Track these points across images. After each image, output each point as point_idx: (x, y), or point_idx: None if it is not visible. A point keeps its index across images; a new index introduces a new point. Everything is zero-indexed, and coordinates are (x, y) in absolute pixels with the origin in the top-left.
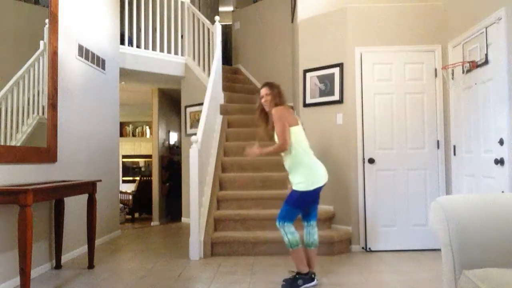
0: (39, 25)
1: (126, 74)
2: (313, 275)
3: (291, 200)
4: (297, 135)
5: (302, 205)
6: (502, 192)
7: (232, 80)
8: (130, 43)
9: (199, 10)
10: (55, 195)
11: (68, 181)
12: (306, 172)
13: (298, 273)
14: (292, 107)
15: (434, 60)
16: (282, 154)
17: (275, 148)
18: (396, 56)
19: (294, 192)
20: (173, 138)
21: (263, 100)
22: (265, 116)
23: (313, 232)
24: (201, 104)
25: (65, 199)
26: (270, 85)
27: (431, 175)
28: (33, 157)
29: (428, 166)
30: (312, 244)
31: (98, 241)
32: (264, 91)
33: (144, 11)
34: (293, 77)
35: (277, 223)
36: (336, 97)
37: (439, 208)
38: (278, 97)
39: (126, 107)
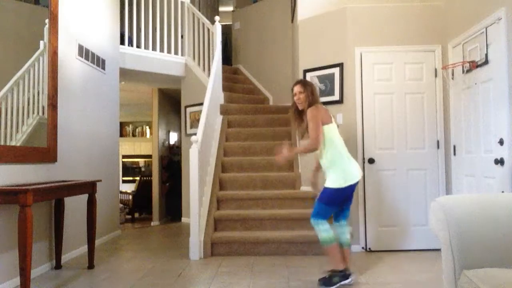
0: (39, 25)
1: (126, 74)
2: (349, 274)
3: (325, 197)
4: (331, 133)
5: (336, 202)
6: (502, 192)
7: (232, 80)
8: (130, 43)
9: (199, 10)
10: (55, 195)
11: (68, 181)
12: (339, 170)
13: (333, 271)
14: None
15: (434, 60)
16: (318, 152)
17: (305, 147)
18: (396, 56)
19: (327, 189)
20: (173, 138)
21: (295, 98)
22: (299, 114)
23: (345, 232)
24: (201, 104)
25: (65, 199)
26: (303, 83)
27: (431, 175)
28: (33, 157)
29: (428, 166)
30: (345, 243)
31: (98, 241)
32: (297, 89)
33: (144, 11)
34: (293, 77)
35: (311, 221)
36: (336, 97)
37: (439, 208)
38: (311, 95)
39: (126, 107)
